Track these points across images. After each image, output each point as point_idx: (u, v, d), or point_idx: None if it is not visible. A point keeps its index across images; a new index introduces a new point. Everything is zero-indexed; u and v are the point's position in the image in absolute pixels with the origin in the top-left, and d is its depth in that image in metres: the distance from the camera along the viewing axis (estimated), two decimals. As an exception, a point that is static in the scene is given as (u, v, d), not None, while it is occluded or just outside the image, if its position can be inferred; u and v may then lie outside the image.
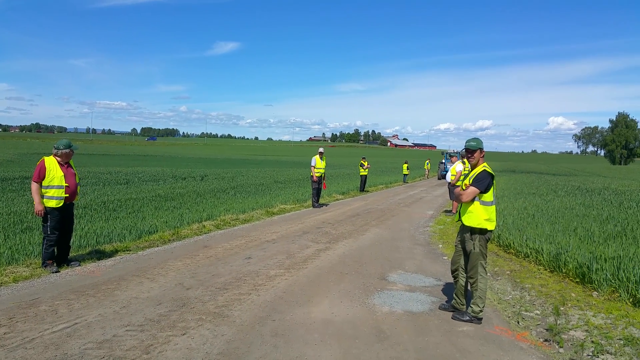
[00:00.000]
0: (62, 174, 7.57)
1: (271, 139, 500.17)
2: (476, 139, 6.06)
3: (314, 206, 17.45)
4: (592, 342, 5.33)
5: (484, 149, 6.07)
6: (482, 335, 5.51)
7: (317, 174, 17.36)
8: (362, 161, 26.04)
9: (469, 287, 6.10)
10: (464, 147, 6.15)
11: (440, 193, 26.41)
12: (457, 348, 5.11)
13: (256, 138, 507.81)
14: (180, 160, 64.34)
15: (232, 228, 12.23)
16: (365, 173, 25.95)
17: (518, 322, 6.04)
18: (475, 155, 5.99)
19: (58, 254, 7.76)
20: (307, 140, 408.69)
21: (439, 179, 41.01)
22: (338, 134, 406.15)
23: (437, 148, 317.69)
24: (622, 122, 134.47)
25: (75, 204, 8.62)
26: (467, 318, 5.92)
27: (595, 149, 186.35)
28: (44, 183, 7.45)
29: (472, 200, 5.88)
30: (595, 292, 7.02)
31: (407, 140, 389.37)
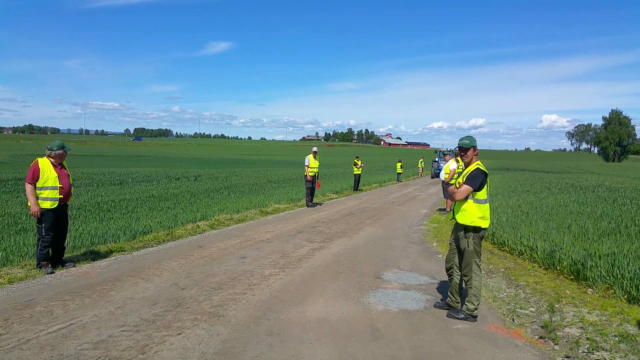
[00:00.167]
0: (56, 175, 7.54)
1: (264, 139, 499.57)
2: (469, 137, 6.07)
3: (308, 205, 17.44)
4: (587, 338, 5.35)
5: (477, 147, 6.08)
6: (477, 333, 5.52)
7: (311, 174, 17.36)
8: (355, 160, 26.07)
9: (463, 285, 6.11)
10: (457, 146, 6.16)
11: (434, 191, 26.47)
12: (453, 346, 5.12)
13: (249, 138, 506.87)
14: (173, 160, 64.24)
15: (227, 228, 12.22)
16: (359, 172, 25.97)
17: (513, 320, 6.06)
18: (468, 153, 6.00)
19: (53, 255, 7.73)
20: (301, 139, 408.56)
21: (432, 177, 41.08)
22: (331, 133, 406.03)
23: (430, 147, 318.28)
24: (615, 119, 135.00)
25: (69, 205, 8.59)
26: (462, 316, 5.93)
27: (589, 147, 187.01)
28: (38, 184, 7.42)
29: (466, 199, 5.89)
30: (590, 289, 7.05)
31: (400, 139, 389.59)
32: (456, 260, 6.13)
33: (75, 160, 47.06)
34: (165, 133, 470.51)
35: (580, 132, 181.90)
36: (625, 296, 6.55)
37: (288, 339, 5.14)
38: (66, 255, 8.19)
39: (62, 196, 7.61)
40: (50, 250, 7.66)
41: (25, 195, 7.50)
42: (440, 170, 24.88)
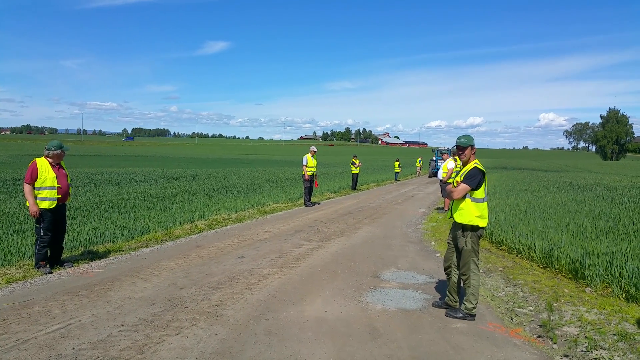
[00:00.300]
0: (54, 175, 7.53)
1: (262, 138, 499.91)
2: (467, 136, 6.08)
3: (306, 205, 17.44)
4: (586, 337, 5.36)
5: (475, 146, 6.09)
6: (475, 332, 5.52)
7: (309, 173, 17.35)
8: (353, 159, 26.05)
9: (461, 284, 6.11)
10: (455, 145, 6.16)
11: (432, 190, 26.47)
12: (451, 345, 5.13)
13: (247, 137, 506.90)
14: (171, 160, 64.18)
15: (225, 227, 12.21)
16: (357, 171, 25.95)
17: (511, 319, 6.07)
18: (466, 152, 6.00)
19: (51, 255, 7.73)
20: (299, 139, 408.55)
21: (430, 176, 41.10)
22: (329, 132, 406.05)
23: (428, 145, 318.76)
24: (613, 117, 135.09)
25: (68, 205, 8.58)
26: (461, 315, 5.93)
27: (587, 145, 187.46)
28: (37, 184, 7.41)
29: (464, 197, 5.89)
30: (588, 288, 7.06)
31: (398, 138, 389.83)
32: (454, 259, 6.13)
33: (73, 160, 47.01)
34: (162, 133, 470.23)
35: (578, 131, 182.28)
36: (624, 295, 6.56)
37: (286, 338, 5.14)
38: (64, 255, 8.18)
39: (60, 196, 7.61)
40: (48, 250, 7.65)
41: (23, 195, 7.49)
42: (438, 169, 24.88)
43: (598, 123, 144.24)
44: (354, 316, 5.92)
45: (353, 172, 25.88)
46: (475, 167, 5.90)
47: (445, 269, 6.29)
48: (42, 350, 4.62)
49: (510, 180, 31.67)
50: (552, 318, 5.95)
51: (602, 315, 6.05)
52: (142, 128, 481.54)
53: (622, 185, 23.95)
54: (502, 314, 6.26)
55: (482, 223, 5.89)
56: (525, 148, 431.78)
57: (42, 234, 7.46)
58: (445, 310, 6.16)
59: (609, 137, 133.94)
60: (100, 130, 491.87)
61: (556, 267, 8.00)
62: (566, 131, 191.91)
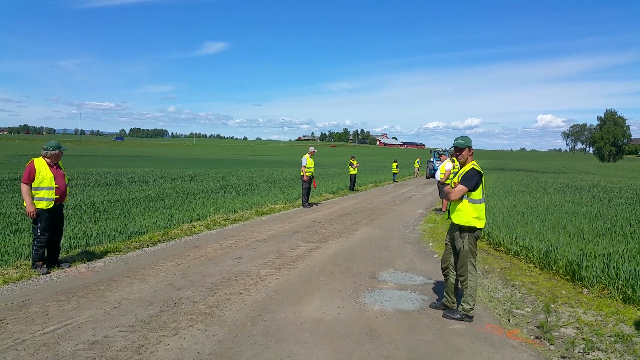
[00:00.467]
0: (52, 175, 7.52)
1: (260, 139, 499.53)
2: (464, 137, 6.08)
3: (303, 205, 17.43)
4: (583, 339, 5.37)
5: (473, 147, 6.09)
6: (473, 333, 5.53)
7: (308, 174, 17.34)
8: (351, 160, 26.03)
9: (459, 285, 6.12)
10: (452, 146, 6.17)
11: (430, 191, 26.49)
12: (449, 346, 5.13)
13: (245, 138, 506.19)
14: (169, 160, 64.15)
15: (222, 228, 12.21)
16: (355, 172, 25.93)
17: (509, 320, 6.07)
18: (463, 153, 6.01)
19: (48, 255, 7.72)
20: (296, 139, 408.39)
21: (427, 177, 41.11)
22: (327, 133, 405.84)
23: (426, 146, 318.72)
24: (610, 119, 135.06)
25: (65, 205, 8.57)
26: (458, 316, 5.94)
27: (584, 147, 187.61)
28: (34, 184, 7.40)
29: (461, 199, 5.90)
30: (586, 289, 7.07)
31: (396, 139, 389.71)
32: (452, 260, 6.13)
33: (71, 161, 46.95)
34: (160, 133, 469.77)
35: (576, 132, 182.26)
36: (621, 296, 6.57)
37: (284, 339, 5.14)
38: (62, 255, 8.17)
39: (57, 196, 7.59)
40: (45, 251, 7.64)
41: (20, 195, 7.47)
42: (435, 170, 24.88)
43: (595, 124, 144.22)
44: (351, 317, 5.92)
45: (351, 172, 25.86)
46: (473, 168, 5.91)
47: (443, 270, 6.29)
48: (39, 350, 4.61)
49: (508, 181, 31.71)
50: (549, 319, 5.95)
51: (600, 317, 6.06)
52: (140, 128, 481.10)
53: (620, 187, 23.99)
54: (500, 315, 6.26)
55: (480, 224, 5.89)
56: (523, 149, 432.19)
57: (39, 234, 7.45)
58: (442, 311, 6.16)
59: (606, 138, 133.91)
60: (98, 131, 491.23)
61: (554, 268, 8.01)
62: (563, 132, 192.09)
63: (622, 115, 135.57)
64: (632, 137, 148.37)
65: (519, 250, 9.21)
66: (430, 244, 10.92)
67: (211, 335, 5.17)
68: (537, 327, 5.77)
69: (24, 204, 7.42)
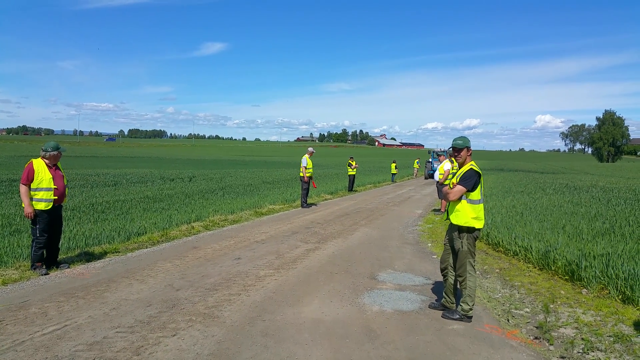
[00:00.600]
0: (51, 176, 7.51)
1: (259, 140, 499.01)
2: (463, 138, 6.09)
3: (302, 206, 17.42)
4: (582, 339, 5.37)
5: (471, 148, 6.10)
6: (472, 334, 5.53)
7: (308, 174, 17.33)
8: (350, 161, 26.04)
9: (458, 286, 6.12)
10: (451, 146, 6.18)
11: (429, 192, 26.50)
12: (448, 346, 5.13)
13: (244, 139, 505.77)
14: (168, 161, 64.16)
15: (221, 229, 12.20)
16: (354, 173, 25.94)
17: (508, 320, 6.08)
18: (462, 153, 6.02)
19: (47, 256, 7.71)
20: (295, 140, 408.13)
21: (426, 178, 41.13)
22: (326, 134, 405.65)
23: (425, 147, 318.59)
24: (609, 119, 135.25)
25: (64, 206, 8.56)
26: (457, 316, 5.94)
27: (583, 147, 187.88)
28: (33, 185, 7.39)
29: (460, 199, 5.91)
30: (585, 290, 7.07)
31: (395, 139, 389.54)
32: (451, 260, 6.14)
33: (70, 162, 46.94)
34: (159, 134, 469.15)
35: (574, 133, 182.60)
36: (620, 296, 6.57)
37: (283, 339, 5.14)
38: (60, 256, 8.16)
39: (56, 197, 7.58)
40: (44, 252, 7.63)
41: (19, 196, 7.47)
42: (434, 170, 24.89)
43: (594, 125, 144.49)
44: (350, 317, 5.92)
45: (350, 173, 25.86)
46: (471, 168, 5.92)
47: (442, 270, 6.30)
48: (38, 351, 4.61)
49: (507, 181, 31.73)
50: (548, 320, 5.95)
51: (599, 317, 6.06)
52: (138, 129, 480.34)
53: (618, 187, 24.01)
54: (499, 315, 6.27)
55: (479, 224, 5.90)
56: (522, 150, 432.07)
57: (38, 235, 7.44)
58: (441, 311, 6.17)
59: (604, 139, 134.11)
60: (97, 131, 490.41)
61: (552, 268, 8.02)
62: (562, 133, 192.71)
63: (620, 115, 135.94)
64: (631, 138, 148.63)
65: (518, 250, 9.21)
66: (429, 244, 10.92)
67: (210, 335, 5.17)
68: (536, 328, 5.77)
69: (23, 205, 7.41)
